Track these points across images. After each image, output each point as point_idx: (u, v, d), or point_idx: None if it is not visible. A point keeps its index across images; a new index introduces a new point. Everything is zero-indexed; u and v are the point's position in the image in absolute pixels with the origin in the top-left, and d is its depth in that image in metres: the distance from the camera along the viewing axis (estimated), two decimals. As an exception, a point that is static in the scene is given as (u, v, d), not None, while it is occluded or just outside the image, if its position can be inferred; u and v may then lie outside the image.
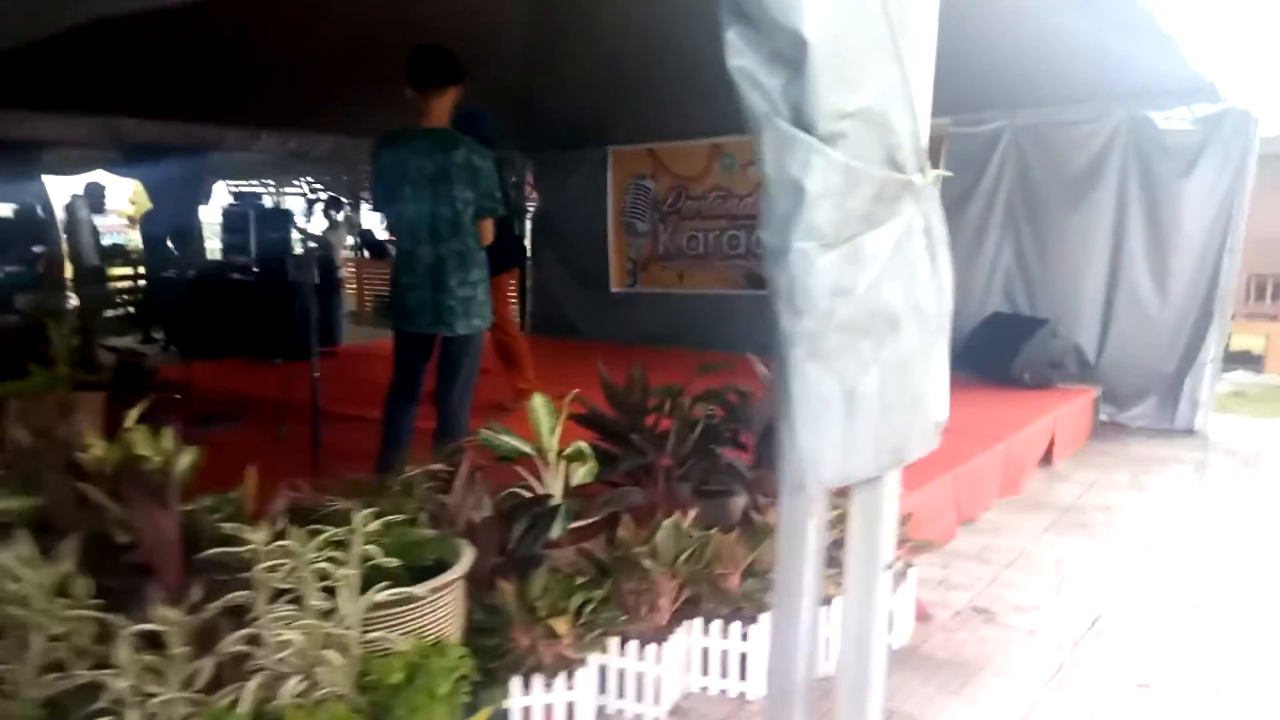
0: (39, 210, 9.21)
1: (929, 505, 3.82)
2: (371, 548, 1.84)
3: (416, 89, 3.29)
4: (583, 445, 2.83)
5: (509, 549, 2.56)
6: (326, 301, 9.53)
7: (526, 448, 2.77)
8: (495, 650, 2.32)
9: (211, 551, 1.77)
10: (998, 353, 6.19)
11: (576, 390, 3.06)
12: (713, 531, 2.61)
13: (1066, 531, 4.17)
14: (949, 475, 4.04)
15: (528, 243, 9.21)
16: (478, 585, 2.39)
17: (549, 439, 2.75)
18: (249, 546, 1.73)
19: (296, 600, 1.80)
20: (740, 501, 3.11)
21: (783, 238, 1.20)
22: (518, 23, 7.47)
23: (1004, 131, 6.40)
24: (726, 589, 2.64)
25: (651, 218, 8.31)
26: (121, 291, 10.73)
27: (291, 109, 7.27)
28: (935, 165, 1.40)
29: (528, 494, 2.75)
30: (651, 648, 2.43)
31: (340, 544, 1.83)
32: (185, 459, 2.34)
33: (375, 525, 1.92)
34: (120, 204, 17.13)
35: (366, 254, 14.57)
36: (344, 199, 14.48)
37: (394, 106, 3.34)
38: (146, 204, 10.62)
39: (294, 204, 16.50)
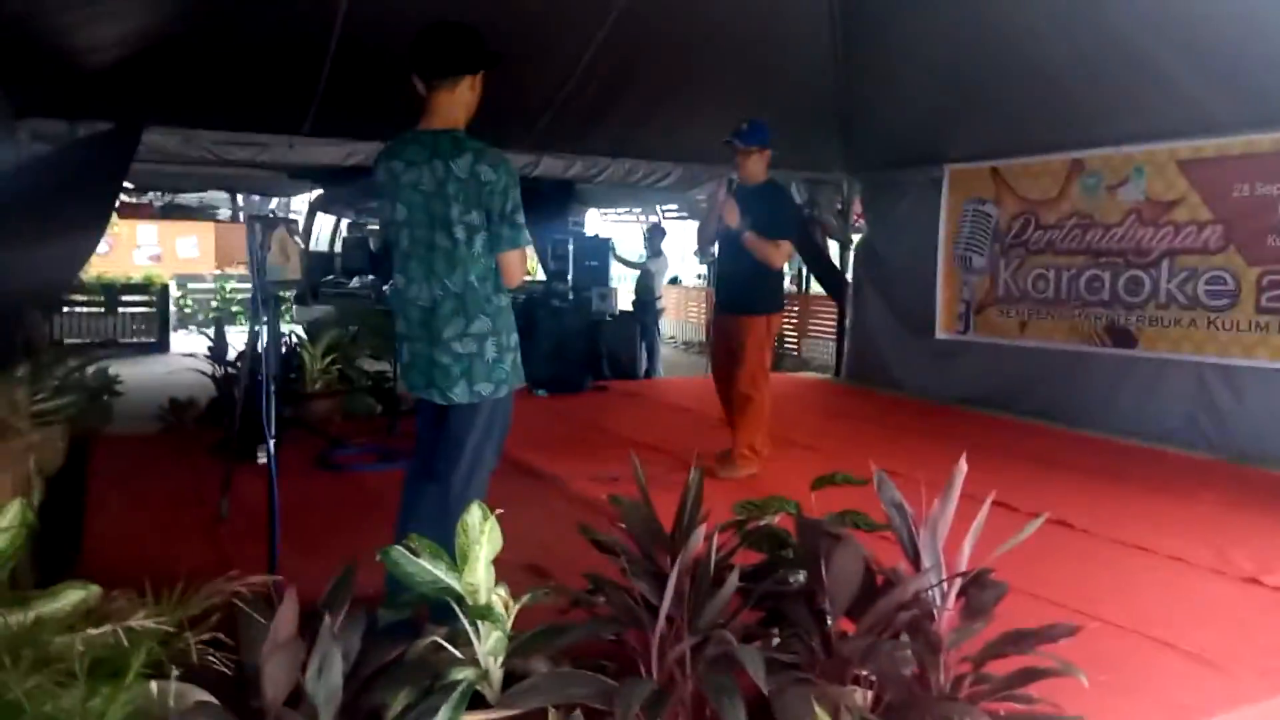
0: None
1: None
2: None
3: (423, 81, 2.53)
4: (497, 596, 1.88)
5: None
6: (630, 332, 9.18)
7: (451, 582, 1.89)
8: None
9: None
10: None
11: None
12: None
13: None
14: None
15: (849, 276, 8.15)
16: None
17: (473, 573, 1.85)
18: None
19: None
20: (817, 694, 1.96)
21: None
22: (819, 17, 6.54)
23: None
24: None
25: (991, 251, 6.78)
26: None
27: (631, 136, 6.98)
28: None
29: (457, 653, 1.90)
30: None
31: None
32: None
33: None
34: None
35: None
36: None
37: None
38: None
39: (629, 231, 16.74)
